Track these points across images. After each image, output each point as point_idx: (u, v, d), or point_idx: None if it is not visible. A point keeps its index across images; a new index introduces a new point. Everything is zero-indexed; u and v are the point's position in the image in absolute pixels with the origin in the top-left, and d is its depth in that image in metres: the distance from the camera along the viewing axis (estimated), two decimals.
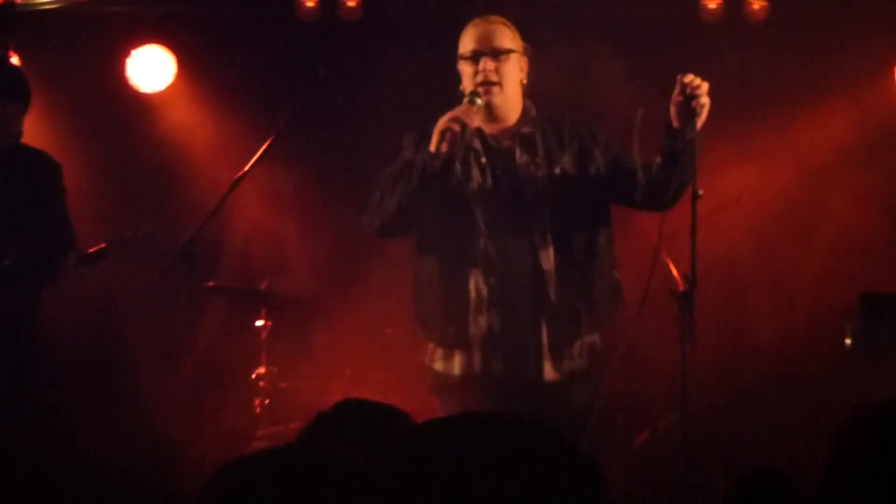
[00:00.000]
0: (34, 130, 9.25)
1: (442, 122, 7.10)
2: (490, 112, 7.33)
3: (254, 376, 9.73)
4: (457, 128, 7.06)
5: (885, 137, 10.50)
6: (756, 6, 10.41)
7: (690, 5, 10.49)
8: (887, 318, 7.09)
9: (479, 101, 7.19)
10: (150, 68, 10.88)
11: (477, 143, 7.34)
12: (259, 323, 9.79)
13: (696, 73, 7.00)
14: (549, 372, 7.35)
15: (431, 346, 7.54)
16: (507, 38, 7.37)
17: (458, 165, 7.26)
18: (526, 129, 7.41)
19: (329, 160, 10.69)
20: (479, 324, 7.35)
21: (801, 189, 10.46)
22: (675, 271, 8.32)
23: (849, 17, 10.35)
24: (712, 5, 10.48)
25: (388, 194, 7.24)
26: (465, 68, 7.38)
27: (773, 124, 10.03)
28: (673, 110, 7.06)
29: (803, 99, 10.41)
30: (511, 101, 7.39)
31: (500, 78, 7.30)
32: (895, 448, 4.11)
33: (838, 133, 10.48)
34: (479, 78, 7.28)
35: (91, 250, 8.81)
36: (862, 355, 7.19)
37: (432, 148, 7.11)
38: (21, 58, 10.06)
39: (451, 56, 7.52)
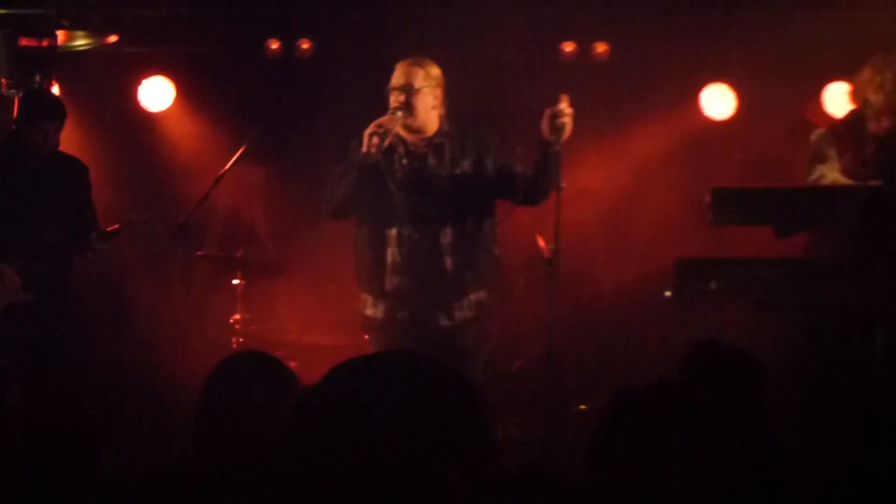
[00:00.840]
0: (68, 141, 9.08)
1: (370, 127, 7.28)
2: (409, 128, 7.47)
3: (231, 321, 9.72)
4: (380, 131, 7.23)
5: (692, 144, 10.56)
6: (600, 49, 10.40)
7: (554, 49, 10.46)
8: (695, 276, 7.05)
9: (399, 114, 7.36)
10: (156, 94, 10.82)
11: (401, 149, 7.49)
12: (235, 281, 9.78)
13: (568, 100, 7.20)
14: (443, 320, 7.54)
15: (364, 296, 7.70)
16: (419, 77, 7.49)
17: (382, 162, 7.40)
18: (438, 140, 7.56)
19: (288, 161, 10.68)
20: (392, 282, 7.53)
21: (632, 182, 10.50)
22: (542, 244, 8.25)
23: (667, 57, 10.37)
24: (568, 49, 10.46)
25: (337, 187, 7.43)
26: (390, 96, 7.49)
27: (613, 135, 10.11)
28: (545, 127, 7.21)
29: (634, 115, 10.45)
30: (423, 120, 7.52)
31: (408, 107, 7.42)
32: (654, 430, 4.02)
33: (659, 141, 10.53)
34: (392, 105, 7.44)
35: (108, 229, 8.70)
36: (677, 304, 7.14)
37: (363, 149, 7.26)
38: (60, 87, 9.91)
39: (384, 83, 7.64)
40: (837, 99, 10.15)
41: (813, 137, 7.76)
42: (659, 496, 3.69)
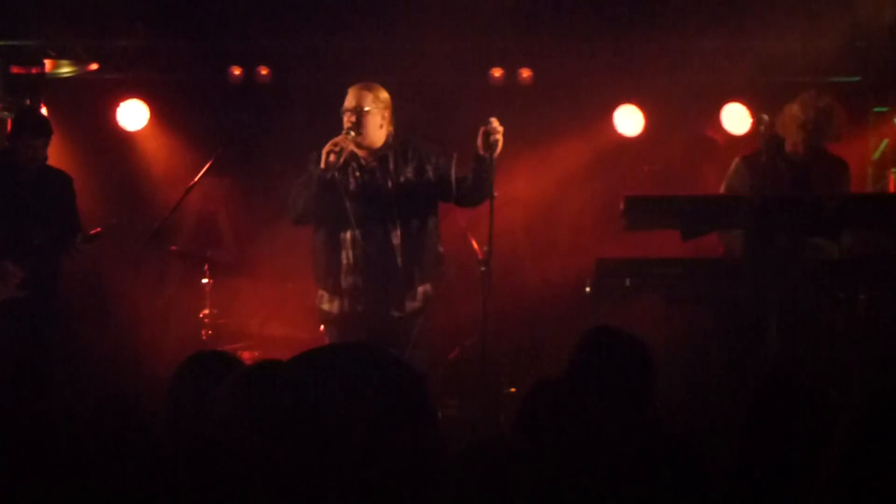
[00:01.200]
0: (55, 156, 9.08)
1: (328, 145, 7.30)
2: (359, 144, 7.47)
3: (201, 315, 9.54)
4: (336, 149, 7.26)
5: (606, 157, 10.49)
6: (525, 75, 10.38)
7: (484, 74, 10.43)
8: (612, 274, 7.08)
9: (352, 133, 7.37)
10: (132, 115, 10.68)
11: (353, 164, 7.48)
12: (204, 280, 9.59)
13: (497, 119, 7.23)
14: (395, 311, 7.52)
15: (320, 292, 7.69)
16: (368, 100, 7.49)
17: (338, 175, 7.40)
18: (383, 152, 7.54)
19: (249, 173, 10.56)
20: (348, 281, 7.54)
21: (554, 191, 10.41)
22: (476, 246, 8.23)
23: (584, 81, 10.37)
24: (497, 74, 10.42)
25: (299, 198, 7.47)
26: (343, 116, 7.50)
27: (537, 149, 10.04)
28: (479, 143, 7.23)
29: (555, 132, 10.35)
30: (372, 137, 7.52)
31: (359, 126, 7.42)
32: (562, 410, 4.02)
33: (577, 155, 10.45)
34: (346, 125, 7.42)
35: (91, 232, 8.70)
36: (595, 298, 7.14)
37: (322, 165, 7.30)
38: (48, 108, 9.91)
39: (333, 104, 7.69)
40: (733, 118, 10.18)
41: (732, 165, 7.85)
42: (567, 461, 3.71)
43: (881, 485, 3.11)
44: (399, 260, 7.48)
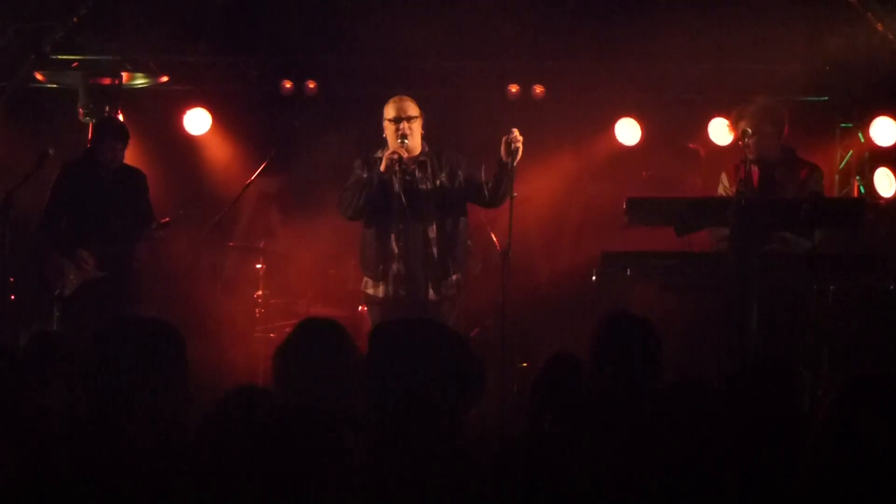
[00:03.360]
0: (130, 156, 9.19)
1: (388, 153, 7.47)
2: (406, 149, 7.55)
3: (255, 296, 9.67)
4: (396, 157, 7.44)
5: (608, 164, 10.49)
6: (538, 90, 10.38)
7: (502, 89, 10.43)
8: (615, 265, 7.08)
9: (406, 142, 7.48)
10: (196, 122, 10.68)
11: (397, 167, 7.54)
12: (258, 266, 9.75)
13: (518, 130, 7.36)
14: (433, 295, 7.64)
15: (366, 279, 7.78)
16: (413, 109, 7.62)
17: (388, 178, 7.53)
18: (422, 158, 7.68)
19: (298, 174, 10.52)
20: (392, 268, 7.61)
21: (562, 192, 10.45)
22: (495, 239, 8.26)
23: (589, 97, 10.36)
24: (514, 89, 10.44)
25: (357, 196, 7.56)
26: (389, 126, 7.61)
27: (548, 156, 9.99)
28: (502, 150, 7.34)
29: (564, 141, 10.39)
30: (415, 143, 7.62)
31: (410, 132, 7.52)
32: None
33: (582, 161, 10.52)
34: (400, 132, 7.51)
35: (162, 221, 8.87)
36: (600, 285, 7.16)
37: (382, 168, 7.48)
38: (124, 115, 9.95)
39: (375, 114, 7.81)
40: (718, 131, 10.18)
41: (721, 177, 7.86)
42: (574, 428, 4.04)
43: (859, 454, 3.13)
44: (435, 251, 7.60)
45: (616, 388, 4.31)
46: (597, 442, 3.86)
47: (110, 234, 8.63)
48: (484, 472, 3.31)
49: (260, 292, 9.65)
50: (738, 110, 7.74)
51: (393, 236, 7.59)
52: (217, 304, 9.98)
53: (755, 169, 7.63)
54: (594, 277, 7.18)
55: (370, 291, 7.75)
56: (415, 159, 7.66)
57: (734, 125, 7.74)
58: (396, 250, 7.59)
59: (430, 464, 3.20)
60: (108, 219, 8.64)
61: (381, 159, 7.59)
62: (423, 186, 7.62)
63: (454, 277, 7.70)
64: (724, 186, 7.81)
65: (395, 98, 7.73)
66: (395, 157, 7.48)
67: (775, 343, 7.08)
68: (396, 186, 7.57)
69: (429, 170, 7.65)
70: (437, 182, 7.64)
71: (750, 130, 7.51)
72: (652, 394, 4.08)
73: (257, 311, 9.62)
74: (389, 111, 7.66)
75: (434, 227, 7.61)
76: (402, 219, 7.57)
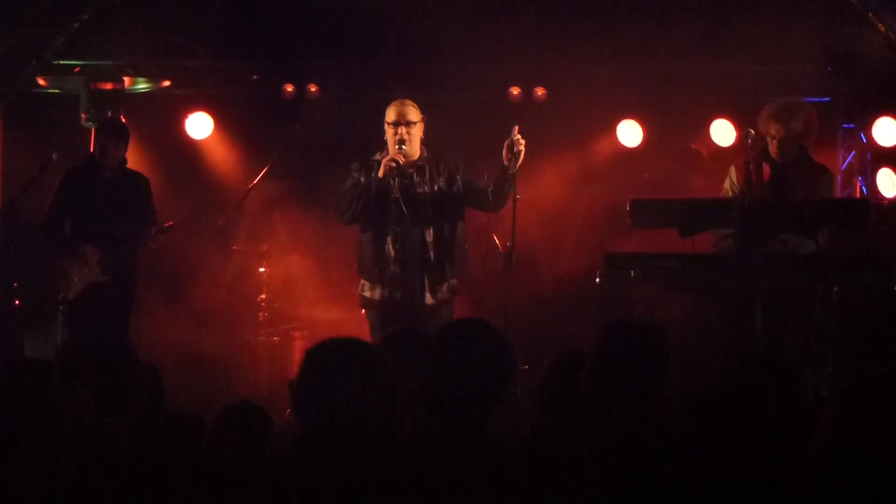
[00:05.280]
0: (133, 160, 9.14)
1: (386, 159, 7.39)
2: (403, 154, 7.45)
3: (258, 299, 9.59)
4: (394, 164, 7.34)
5: (609, 165, 10.43)
6: (540, 93, 10.30)
7: (503, 92, 10.37)
8: (619, 266, 7.03)
9: (404, 147, 7.39)
10: (198, 125, 10.63)
11: (395, 171, 7.44)
12: (261, 269, 9.69)
13: (518, 128, 7.26)
14: (428, 299, 7.52)
15: (363, 281, 7.66)
16: (413, 114, 7.51)
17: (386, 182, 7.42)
18: (420, 163, 7.55)
19: (299, 178, 10.42)
20: (389, 271, 7.50)
21: (564, 194, 10.34)
22: (497, 241, 8.20)
23: (591, 99, 10.24)
24: (515, 92, 10.35)
25: (354, 201, 7.47)
26: (389, 130, 7.51)
27: (550, 158, 9.92)
28: (504, 153, 7.23)
29: (566, 143, 10.28)
30: (413, 148, 7.52)
31: (409, 137, 7.43)
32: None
33: (584, 162, 10.43)
34: (398, 137, 7.43)
35: (165, 225, 8.78)
36: (603, 286, 7.10)
37: (381, 174, 7.42)
38: (125, 117, 9.82)
39: (376, 119, 7.75)
40: (720, 132, 10.14)
41: (728, 172, 7.78)
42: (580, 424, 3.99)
43: (863, 454, 3.11)
44: (431, 255, 7.49)
45: (615, 396, 4.24)
46: (596, 444, 3.83)
47: (113, 239, 8.55)
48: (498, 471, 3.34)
49: (263, 296, 9.57)
50: (768, 108, 7.64)
51: (390, 240, 7.48)
52: (220, 308, 9.91)
53: (766, 167, 7.57)
54: (597, 279, 7.11)
55: (367, 294, 7.62)
56: (413, 164, 7.56)
57: (765, 123, 7.62)
58: (393, 253, 7.47)
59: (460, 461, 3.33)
60: (110, 223, 8.56)
61: (379, 163, 7.50)
62: (421, 191, 7.51)
63: (451, 282, 7.58)
64: (732, 181, 7.71)
65: (397, 102, 7.62)
66: (393, 164, 7.39)
67: (779, 344, 7.02)
68: (394, 191, 7.45)
69: (427, 174, 7.54)
70: (435, 187, 7.53)
71: (776, 129, 7.48)
72: (653, 399, 4.04)
73: (261, 314, 9.54)
74: (390, 114, 7.56)
75: (431, 231, 7.49)
76: (399, 222, 7.46)
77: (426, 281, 7.50)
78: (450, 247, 7.55)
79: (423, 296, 7.50)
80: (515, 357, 3.87)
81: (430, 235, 7.49)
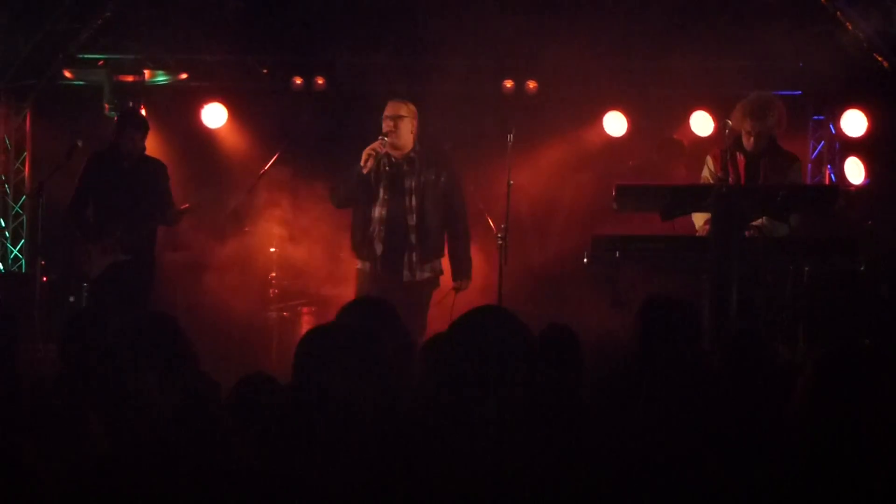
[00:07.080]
0: (151, 147, 9.14)
1: (367, 150, 7.63)
2: (393, 145, 7.76)
3: (269, 277, 9.66)
4: (373, 154, 7.61)
5: (596, 154, 10.44)
6: (532, 85, 10.34)
7: (497, 85, 10.38)
8: (605, 247, 7.05)
9: (386, 139, 7.68)
10: (214, 115, 10.68)
11: (385, 160, 7.77)
12: (272, 249, 9.78)
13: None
14: (407, 276, 7.82)
15: (357, 258, 7.99)
16: (404, 110, 7.83)
17: (374, 169, 7.72)
18: (411, 155, 7.84)
19: (308, 165, 10.31)
20: (374, 248, 7.83)
21: (553, 180, 10.38)
22: (491, 223, 8.22)
23: (578, 91, 10.25)
24: (508, 85, 10.40)
25: (343, 189, 7.84)
26: (384, 122, 7.81)
27: (540, 146, 10.04)
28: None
29: (556, 133, 10.36)
30: (404, 140, 7.83)
31: (395, 130, 7.72)
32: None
33: (572, 151, 10.47)
34: (384, 130, 7.74)
35: (181, 207, 8.80)
36: (590, 267, 7.11)
37: (362, 162, 7.65)
38: (146, 109, 9.93)
39: (375, 109, 7.96)
40: (699, 123, 10.17)
41: (705, 160, 7.79)
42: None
43: (835, 420, 3.15)
44: (412, 237, 7.79)
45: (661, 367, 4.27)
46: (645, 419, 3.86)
47: (133, 221, 8.54)
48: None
49: (274, 274, 9.64)
50: (742, 105, 7.64)
51: (374, 221, 7.81)
52: (234, 285, 9.93)
53: (741, 158, 7.59)
54: (585, 259, 7.13)
55: (358, 266, 8.01)
56: (405, 157, 7.86)
57: (740, 119, 7.62)
58: (376, 233, 7.81)
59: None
60: (131, 206, 8.55)
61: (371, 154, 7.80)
62: (408, 180, 7.81)
63: (431, 263, 7.87)
64: (709, 169, 7.74)
65: (392, 100, 7.96)
66: (372, 152, 7.68)
67: (754, 321, 7.04)
68: (383, 178, 7.81)
69: (416, 165, 7.84)
70: (422, 178, 7.82)
71: (751, 125, 7.49)
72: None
73: (271, 291, 9.62)
74: (386, 109, 7.89)
75: (414, 217, 7.79)
76: (384, 206, 7.79)
77: (406, 260, 7.80)
78: (429, 229, 7.84)
79: (402, 273, 7.81)
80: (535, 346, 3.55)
81: (412, 219, 7.81)
